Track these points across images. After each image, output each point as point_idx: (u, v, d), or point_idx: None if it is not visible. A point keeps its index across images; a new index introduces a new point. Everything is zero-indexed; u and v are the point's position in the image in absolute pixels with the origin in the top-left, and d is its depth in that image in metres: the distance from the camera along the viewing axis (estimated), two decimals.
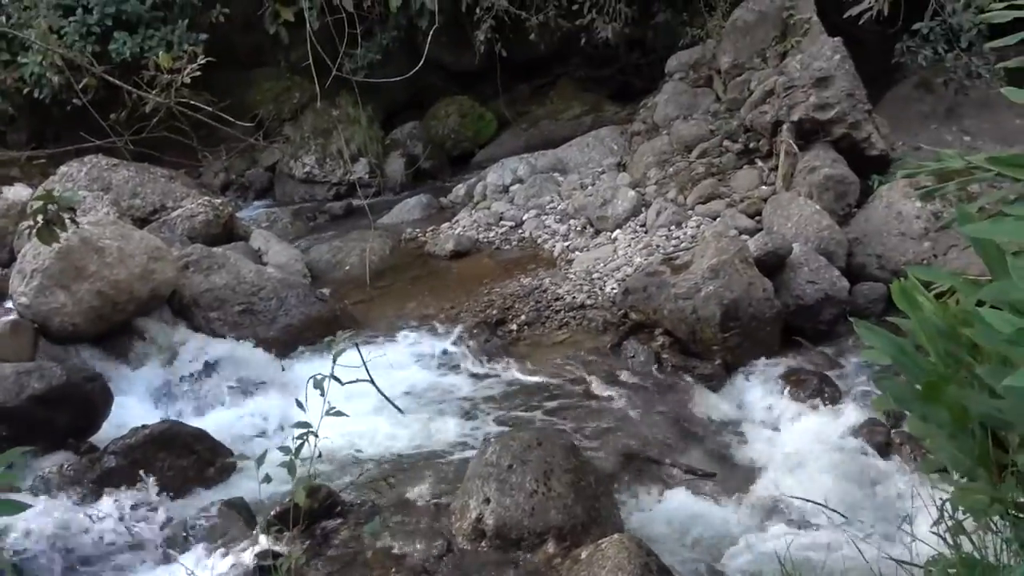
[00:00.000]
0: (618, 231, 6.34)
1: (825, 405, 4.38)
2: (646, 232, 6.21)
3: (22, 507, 1.95)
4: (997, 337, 1.49)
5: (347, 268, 6.70)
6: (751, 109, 6.48)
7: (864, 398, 4.37)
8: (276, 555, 3.19)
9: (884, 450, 3.99)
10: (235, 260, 5.60)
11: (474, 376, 4.99)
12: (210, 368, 4.85)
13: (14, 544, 3.26)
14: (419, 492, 3.74)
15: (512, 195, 7.50)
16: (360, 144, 8.71)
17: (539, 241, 6.68)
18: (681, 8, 7.99)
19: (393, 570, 3.24)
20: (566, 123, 8.95)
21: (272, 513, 3.39)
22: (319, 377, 2.94)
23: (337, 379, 3.00)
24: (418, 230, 7.27)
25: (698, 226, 6.02)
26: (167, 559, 3.42)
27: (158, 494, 3.73)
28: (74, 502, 3.60)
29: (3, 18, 7.80)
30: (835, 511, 3.32)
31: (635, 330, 5.12)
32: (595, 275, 5.78)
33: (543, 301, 5.54)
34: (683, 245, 5.83)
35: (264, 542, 3.31)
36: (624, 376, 4.78)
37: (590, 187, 7.12)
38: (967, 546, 1.82)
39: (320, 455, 3.02)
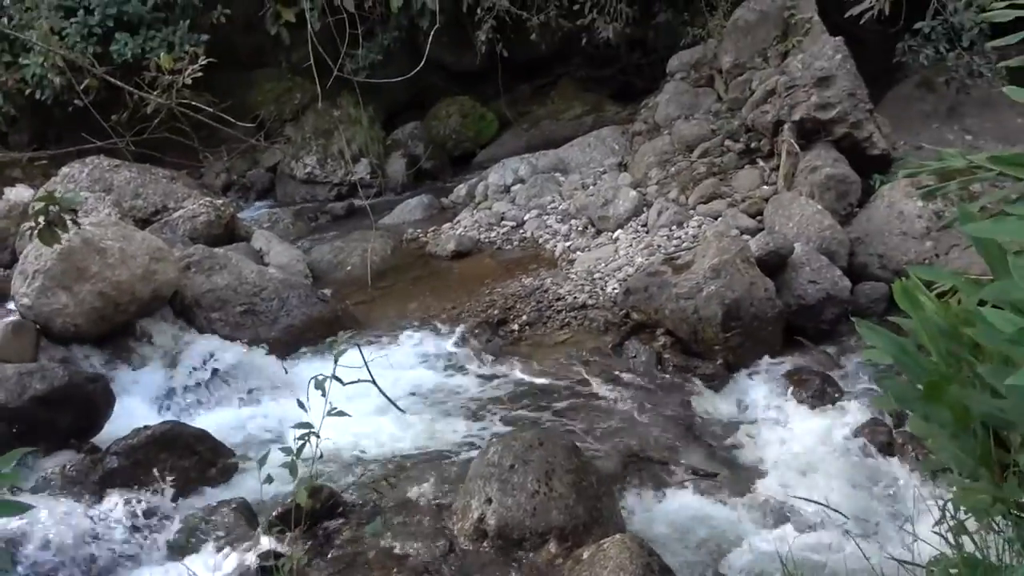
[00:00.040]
0: (619, 231, 6.33)
1: (827, 405, 4.38)
2: (647, 232, 6.21)
3: (24, 508, 1.95)
4: (999, 336, 1.49)
5: (348, 268, 6.70)
6: (752, 109, 6.48)
7: (866, 398, 4.36)
8: (278, 555, 3.20)
9: (886, 450, 3.98)
10: (237, 261, 5.61)
11: (476, 376, 4.98)
12: (212, 369, 4.85)
13: (16, 544, 3.26)
14: (421, 492, 3.74)
15: (513, 195, 7.50)
16: (361, 144, 8.72)
17: (540, 241, 6.68)
18: (682, 8, 7.98)
19: (395, 570, 3.24)
20: (567, 123, 8.95)
21: (274, 513, 3.39)
22: (320, 377, 2.95)
23: (339, 379, 3.01)
24: (419, 230, 7.27)
25: (699, 226, 6.02)
26: (169, 559, 3.42)
27: (160, 495, 3.73)
28: (76, 503, 3.60)
29: (5, 19, 7.81)
30: (837, 511, 3.32)
31: (636, 330, 5.12)
32: (596, 275, 5.78)
33: (544, 301, 5.54)
34: (684, 245, 5.83)
35: (266, 542, 3.32)
36: (625, 376, 4.78)
37: (591, 187, 7.12)
38: (969, 546, 1.82)
39: (321, 455, 3.03)
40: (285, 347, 5.20)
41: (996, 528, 1.77)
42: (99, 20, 8.10)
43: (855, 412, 4.28)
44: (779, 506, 3.66)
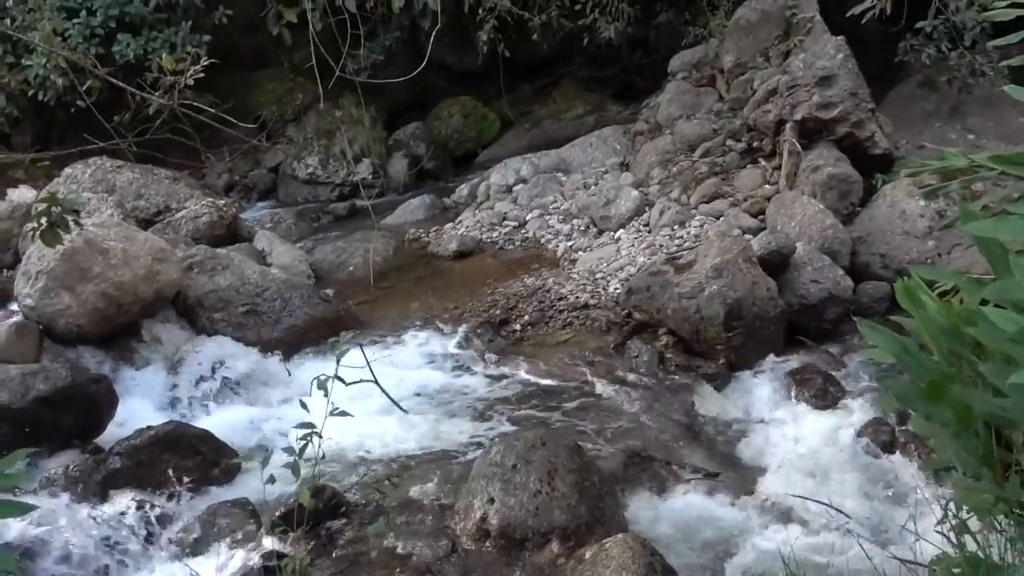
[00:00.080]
0: (621, 231, 6.33)
1: (829, 405, 4.38)
2: (649, 232, 6.21)
3: (28, 508, 1.96)
4: (1001, 336, 1.49)
5: (351, 269, 6.71)
6: (754, 108, 6.47)
7: (868, 397, 4.36)
8: (281, 555, 3.20)
9: (888, 449, 3.98)
10: (239, 261, 5.61)
11: (478, 376, 4.99)
12: (214, 369, 4.86)
13: (19, 545, 3.27)
14: (423, 492, 3.75)
15: (515, 195, 7.51)
16: (363, 145, 8.72)
17: (542, 241, 6.68)
18: (684, 7, 7.98)
19: (397, 570, 3.24)
20: (569, 123, 8.95)
21: (277, 514, 3.39)
22: (323, 378, 2.95)
23: (341, 379, 3.01)
24: (421, 230, 7.27)
25: (701, 225, 6.01)
26: (172, 560, 3.42)
27: (163, 495, 3.74)
28: (79, 503, 3.61)
29: (7, 21, 7.82)
30: (839, 511, 3.32)
31: (639, 330, 5.12)
32: (598, 275, 5.78)
33: (546, 301, 5.54)
34: (686, 245, 5.83)
35: (269, 543, 3.32)
36: (627, 376, 4.78)
37: (593, 187, 7.12)
38: (972, 545, 1.82)
39: (324, 456, 3.04)
40: (288, 347, 5.20)
41: (998, 527, 1.77)
42: (101, 21, 8.11)
43: (857, 412, 4.28)
44: (781, 506, 3.66)
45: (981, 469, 1.74)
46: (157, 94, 3.53)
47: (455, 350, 5.24)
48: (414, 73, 5.98)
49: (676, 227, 6.11)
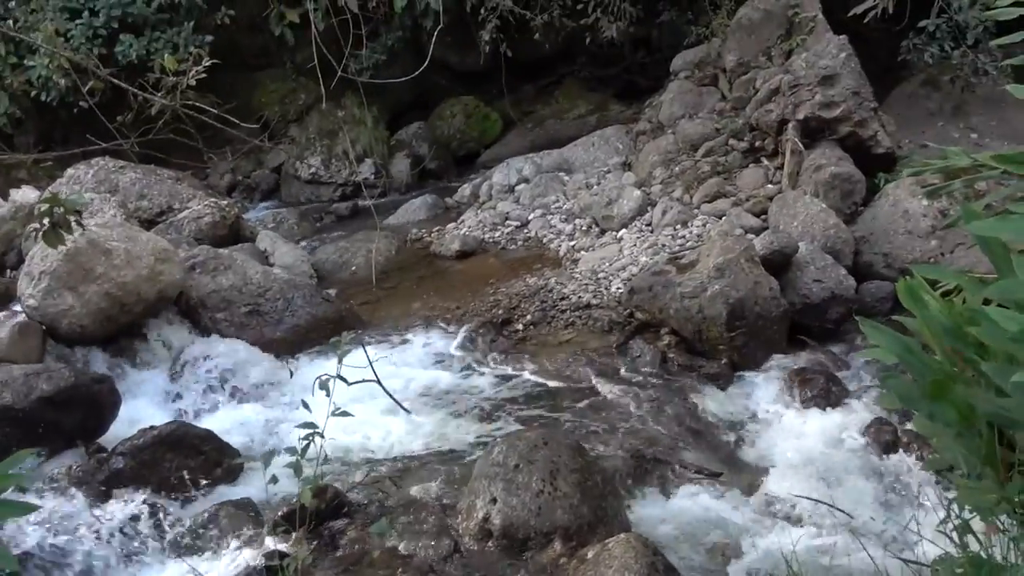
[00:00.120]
0: (624, 230, 6.33)
1: (832, 404, 4.37)
2: (652, 231, 6.21)
3: (31, 508, 1.96)
4: (1003, 335, 1.49)
5: (353, 269, 6.72)
6: (757, 108, 6.47)
7: (871, 397, 4.35)
8: (283, 555, 3.20)
9: (891, 449, 3.97)
10: (241, 261, 5.62)
11: (480, 376, 4.99)
12: (217, 369, 4.86)
13: (22, 545, 3.27)
14: (426, 492, 3.75)
15: (517, 195, 7.51)
16: (366, 145, 8.73)
17: (545, 241, 6.68)
18: (686, 7, 7.98)
19: (400, 570, 3.24)
20: (571, 123, 8.95)
21: (279, 513, 3.39)
22: (325, 378, 2.95)
23: (343, 379, 3.01)
24: (424, 230, 7.28)
25: (704, 225, 6.01)
26: (174, 559, 3.43)
27: (166, 495, 3.75)
28: (82, 503, 3.61)
29: (10, 21, 7.84)
30: (842, 510, 3.32)
31: (641, 329, 5.12)
32: (601, 275, 5.78)
33: (549, 301, 5.54)
34: (689, 244, 5.83)
35: (271, 542, 3.32)
36: (630, 376, 4.78)
37: (595, 186, 7.12)
38: (974, 545, 1.81)
39: (327, 456, 3.04)
40: (290, 347, 5.21)
41: (1001, 527, 1.77)
42: (104, 22, 8.13)
43: (860, 411, 4.27)
44: (784, 505, 3.65)
45: (984, 469, 1.74)
46: (160, 94, 3.53)
47: (457, 350, 5.24)
48: (416, 73, 5.98)
49: (678, 227, 6.11)
